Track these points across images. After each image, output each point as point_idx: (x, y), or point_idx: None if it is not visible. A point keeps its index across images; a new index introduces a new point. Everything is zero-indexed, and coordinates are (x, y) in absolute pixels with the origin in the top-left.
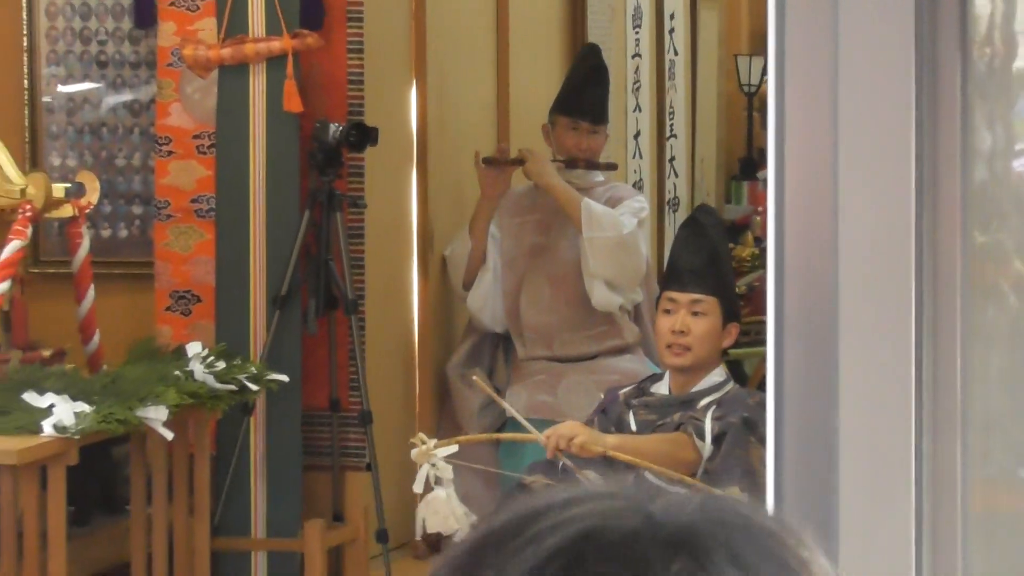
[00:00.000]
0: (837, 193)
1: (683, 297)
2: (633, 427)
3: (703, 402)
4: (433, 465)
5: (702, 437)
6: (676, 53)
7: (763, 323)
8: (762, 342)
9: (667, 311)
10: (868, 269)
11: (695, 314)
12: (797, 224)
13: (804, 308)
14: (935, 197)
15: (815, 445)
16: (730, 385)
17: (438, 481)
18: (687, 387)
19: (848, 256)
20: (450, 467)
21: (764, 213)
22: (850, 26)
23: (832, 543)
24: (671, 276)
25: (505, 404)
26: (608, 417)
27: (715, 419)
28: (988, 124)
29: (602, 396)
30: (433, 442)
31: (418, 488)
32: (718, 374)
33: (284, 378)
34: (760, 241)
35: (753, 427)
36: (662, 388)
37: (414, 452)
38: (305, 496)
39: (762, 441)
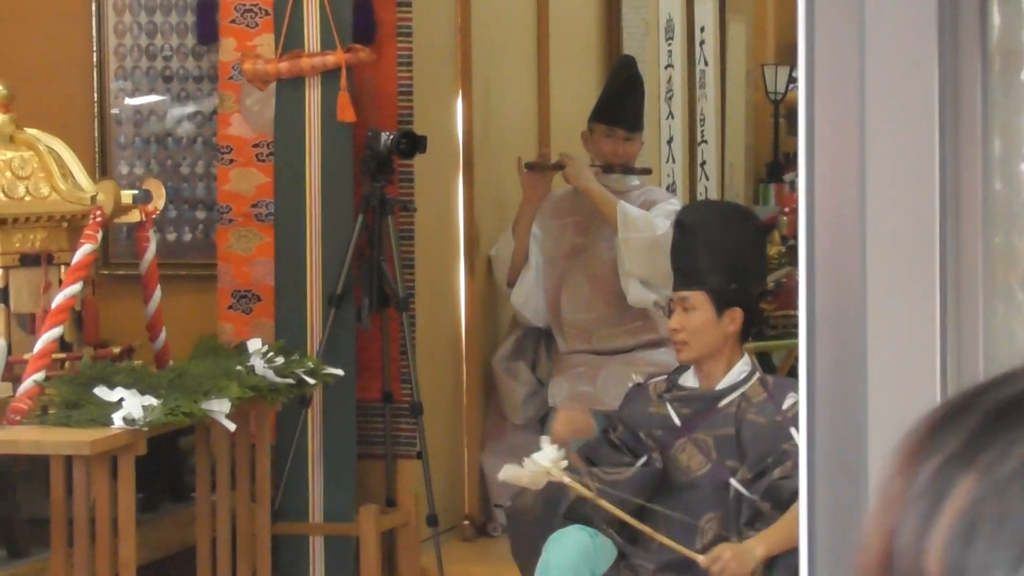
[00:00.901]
0: (865, 196)
1: (676, 296)
2: (677, 421)
3: (730, 398)
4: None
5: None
6: (706, 63)
7: (790, 317)
8: (790, 335)
9: (671, 311)
10: (895, 269)
11: (685, 310)
12: (827, 226)
13: (834, 305)
14: (958, 200)
15: (845, 433)
16: (756, 377)
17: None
18: (713, 379)
19: (876, 256)
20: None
21: (790, 214)
22: (876, 38)
23: (863, 525)
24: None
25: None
26: (634, 408)
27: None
28: (1000, 131)
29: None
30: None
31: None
32: (744, 364)
33: (340, 372)
34: (787, 240)
35: None
36: (690, 380)
37: (532, 475)
38: (359, 483)
39: None
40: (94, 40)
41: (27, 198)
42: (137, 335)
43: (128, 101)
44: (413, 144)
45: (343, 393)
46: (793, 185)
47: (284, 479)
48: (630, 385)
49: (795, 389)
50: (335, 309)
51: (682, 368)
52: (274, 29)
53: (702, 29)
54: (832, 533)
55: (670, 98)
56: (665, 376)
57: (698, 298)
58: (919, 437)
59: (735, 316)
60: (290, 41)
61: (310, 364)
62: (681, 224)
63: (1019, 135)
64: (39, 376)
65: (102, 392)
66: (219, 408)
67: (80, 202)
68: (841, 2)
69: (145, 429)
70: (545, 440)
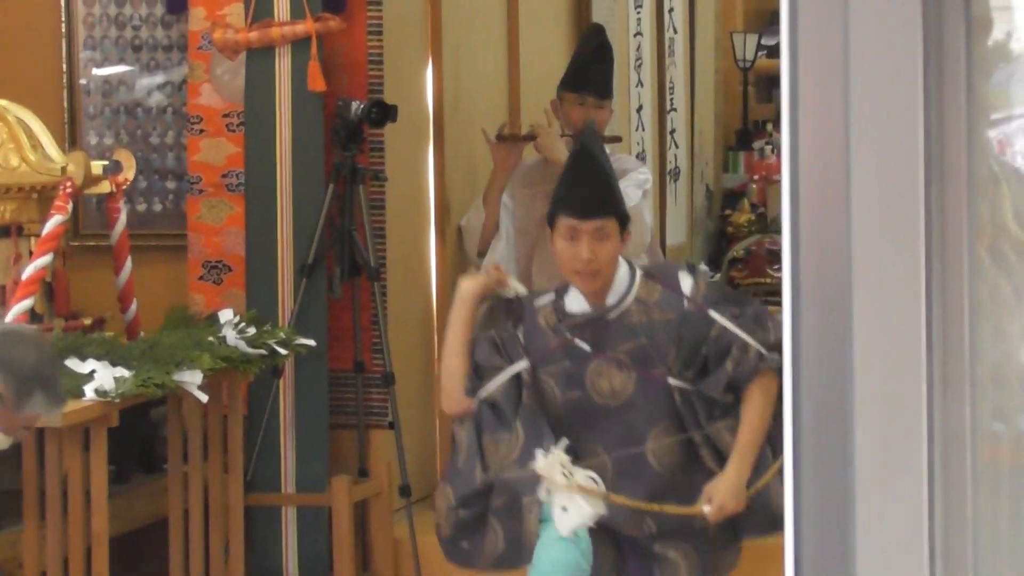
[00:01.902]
0: (849, 163)
1: (586, 225)
2: (588, 348)
3: (624, 306)
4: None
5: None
6: (675, 31)
7: (761, 284)
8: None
9: (570, 238)
10: (880, 236)
11: (600, 239)
12: (811, 195)
13: (819, 275)
14: (943, 166)
15: (832, 404)
16: (638, 275)
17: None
18: (602, 296)
19: (861, 224)
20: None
21: (760, 181)
22: (860, 2)
23: (850, 496)
24: (568, 203)
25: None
26: (534, 345)
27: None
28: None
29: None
30: (580, 475)
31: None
32: (621, 269)
33: (311, 342)
34: (756, 207)
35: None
36: (578, 303)
37: (556, 480)
38: (332, 453)
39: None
40: (63, 10)
41: None
42: (108, 306)
43: (97, 71)
44: (384, 113)
45: (315, 363)
46: (762, 152)
47: (256, 450)
48: (504, 296)
49: (684, 268)
50: (306, 279)
51: (561, 291)
52: None
53: None
54: (818, 506)
55: (639, 66)
56: (549, 303)
57: (611, 225)
58: None
59: (627, 238)
60: (260, 10)
61: (282, 334)
62: (589, 151)
63: (987, 101)
64: None
65: (74, 364)
66: (191, 379)
67: (50, 173)
68: None
69: (117, 401)
70: (539, 454)
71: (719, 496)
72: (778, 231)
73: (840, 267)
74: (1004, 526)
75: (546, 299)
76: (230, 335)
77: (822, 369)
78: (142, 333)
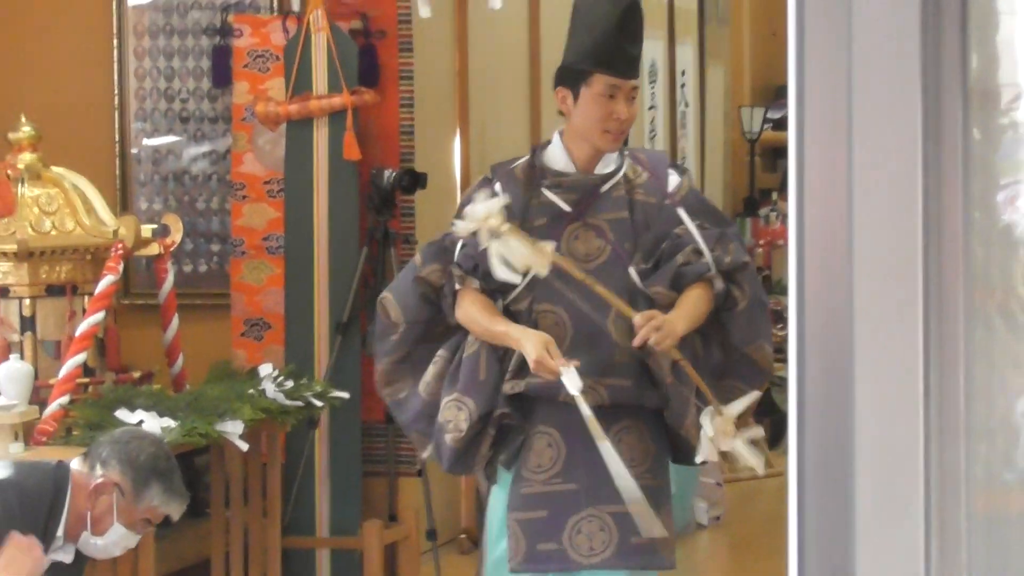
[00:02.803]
0: (852, 229)
1: (627, 84)
2: (566, 207)
3: (615, 180)
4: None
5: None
6: (687, 105)
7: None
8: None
9: (608, 96)
10: (880, 296)
11: (631, 100)
12: (815, 259)
13: (822, 330)
14: (940, 230)
15: (833, 454)
16: (627, 154)
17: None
18: (590, 162)
19: (863, 287)
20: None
21: (765, 246)
22: (862, 77)
23: (849, 545)
24: (613, 61)
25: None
26: (514, 202)
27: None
28: (979, 167)
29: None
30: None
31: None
32: None
33: (345, 395)
34: (761, 270)
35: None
36: (563, 163)
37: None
38: (364, 499)
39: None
40: (116, 84)
41: (53, 232)
42: (156, 360)
43: (147, 141)
44: (414, 181)
45: (348, 415)
46: (767, 219)
47: (293, 496)
48: (481, 181)
49: (672, 166)
50: (341, 336)
51: (538, 149)
52: (284, 73)
53: (683, 73)
54: (819, 552)
55: (653, 137)
56: (524, 161)
57: (638, 88)
58: None
59: (635, 107)
60: (299, 84)
61: (318, 387)
62: (638, 7)
63: (996, 170)
64: (64, 399)
65: (123, 414)
66: (233, 429)
67: (103, 236)
68: (829, 44)
69: None
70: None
71: (655, 314)
72: (782, 293)
73: (843, 327)
74: (999, 574)
75: (519, 162)
76: (269, 388)
77: (825, 423)
78: (187, 386)
